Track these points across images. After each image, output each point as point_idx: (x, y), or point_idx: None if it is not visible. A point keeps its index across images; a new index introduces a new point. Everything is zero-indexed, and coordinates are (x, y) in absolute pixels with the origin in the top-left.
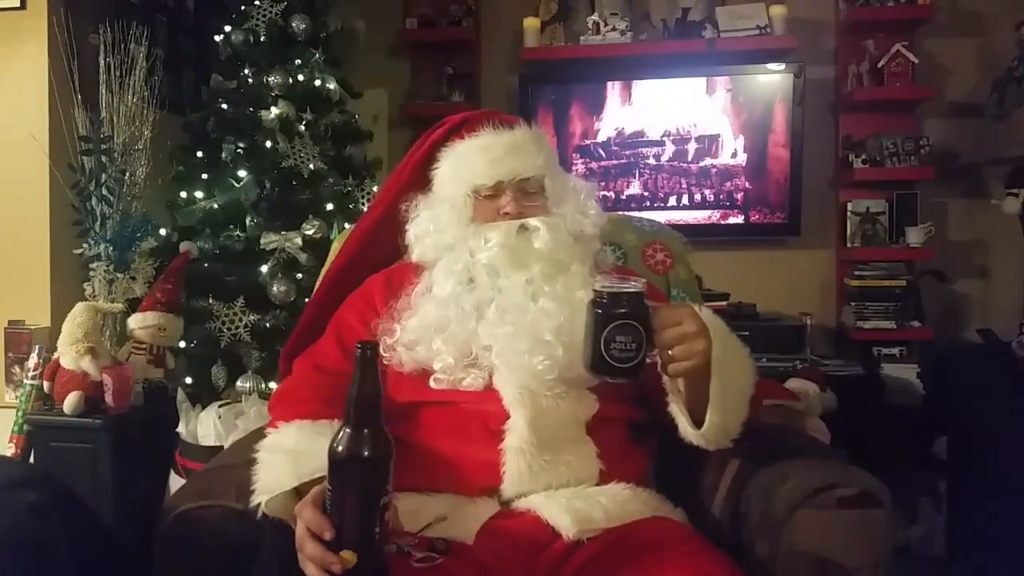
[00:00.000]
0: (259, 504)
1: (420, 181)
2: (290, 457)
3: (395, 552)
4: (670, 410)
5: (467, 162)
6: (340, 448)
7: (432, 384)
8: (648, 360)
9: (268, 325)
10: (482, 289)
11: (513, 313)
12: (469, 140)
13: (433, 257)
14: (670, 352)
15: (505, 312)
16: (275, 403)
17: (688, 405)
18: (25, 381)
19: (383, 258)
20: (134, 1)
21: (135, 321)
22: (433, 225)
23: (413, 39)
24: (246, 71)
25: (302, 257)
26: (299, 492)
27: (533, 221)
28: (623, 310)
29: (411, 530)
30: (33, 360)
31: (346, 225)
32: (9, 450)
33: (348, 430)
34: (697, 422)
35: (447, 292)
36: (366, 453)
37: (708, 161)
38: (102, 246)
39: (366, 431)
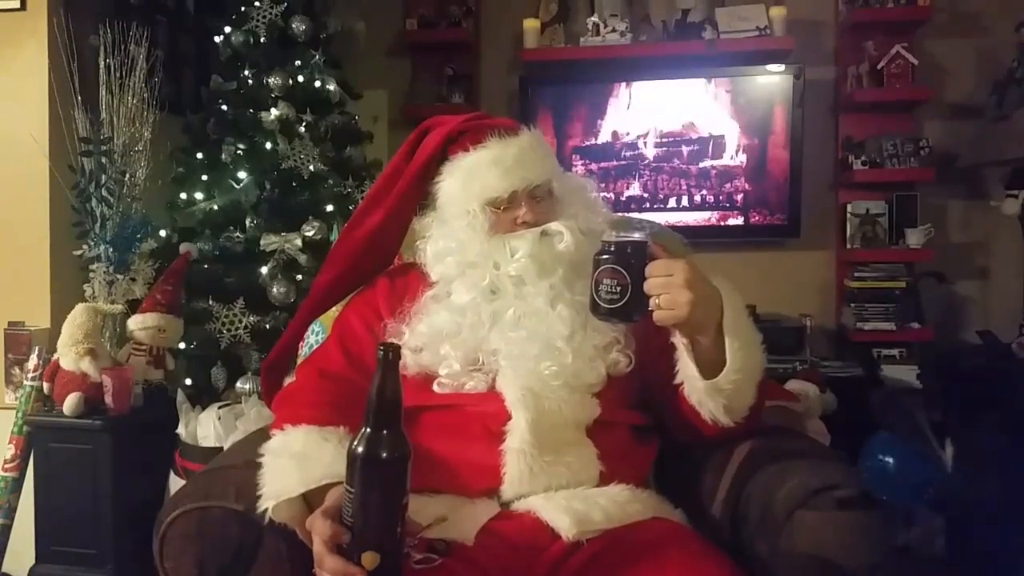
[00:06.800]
0: (265, 509)
1: (416, 193)
2: (297, 463)
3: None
4: (677, 365)
5: (479, 177)
6: (364, 449)
7: (436, 388)
8: (645, 308)
9: (268, 326)
10: (505, 298)
11: (530, 319)
12: (476, 152)
13: (455, 275)
14: (657, 301)
15: (522, 318)
16: (280, 404)
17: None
18: (25, 382)
19: (376, 268)
20: (134, 2)
21: (135, 322)
22: (454, 244)
23: (413, 40)
24: (246, 72)
25: (302, 258)
26: (305, 498)
27: (553, 226)
28: (610, 255)
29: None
30: (33, 361)
31: None
32: (9, 451)
33: (370, 431)
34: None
35: (465, 300)
36: (390, 454)
37: (708, 162)
38: (102, 247)
39: (387, 432)
